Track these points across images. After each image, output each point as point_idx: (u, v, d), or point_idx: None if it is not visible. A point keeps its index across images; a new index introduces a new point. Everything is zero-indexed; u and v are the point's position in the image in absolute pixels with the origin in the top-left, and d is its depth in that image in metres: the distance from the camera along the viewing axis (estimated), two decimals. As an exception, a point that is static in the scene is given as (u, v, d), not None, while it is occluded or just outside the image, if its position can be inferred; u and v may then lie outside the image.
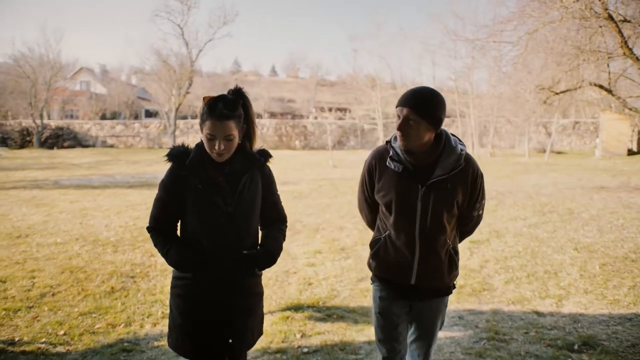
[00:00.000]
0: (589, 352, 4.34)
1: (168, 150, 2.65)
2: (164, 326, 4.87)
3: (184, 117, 48.70)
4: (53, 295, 5.65)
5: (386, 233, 2.85)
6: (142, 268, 6.78)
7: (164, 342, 4.54)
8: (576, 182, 16.40)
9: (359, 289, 6.05)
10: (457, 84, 33.05)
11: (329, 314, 5.24)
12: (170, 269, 2.96)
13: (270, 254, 2.69)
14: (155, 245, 2.68)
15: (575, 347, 4.44)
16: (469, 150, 16.80)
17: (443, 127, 2.76)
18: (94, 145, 40.75)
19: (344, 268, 6.87)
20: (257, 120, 2.82)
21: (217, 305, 2.61)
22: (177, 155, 2.60)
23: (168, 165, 2.64)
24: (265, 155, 2.77)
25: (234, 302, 2.64)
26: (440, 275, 2.81)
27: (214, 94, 2.68)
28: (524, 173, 19.96)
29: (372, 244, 2.94)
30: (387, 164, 2.78)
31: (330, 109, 57.39)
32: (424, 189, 2.70)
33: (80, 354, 4.25)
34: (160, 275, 6.49)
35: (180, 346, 2.66)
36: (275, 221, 2.86)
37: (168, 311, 5.20)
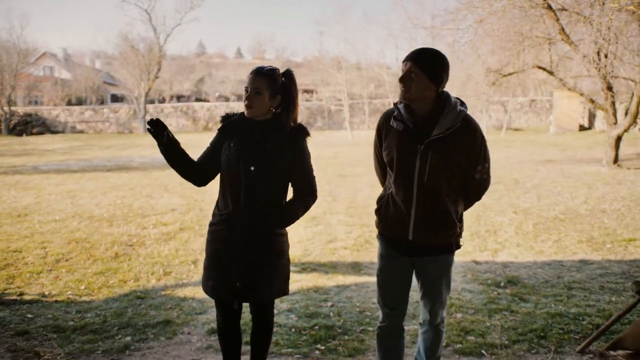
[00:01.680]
0: (512, 287, 5.46)
1: (223, 116, 3.15)
2: (167, 281, 5.84)
3: (152, 102, 48.89)
4: (67, 260, 6.56)
5: (389, 190, 2.95)
6: (138, 238, 7.69)
7: (169, 292, 5.53)
8: (527, 157, 17.76)
9: (328, 248, 7.09)
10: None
11: (304, 267, 6.27)
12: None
13: (281, 215, 2.96)
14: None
15: (502, 284, 5.56)
16: None
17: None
18: (63, 131, 40.85)
19: (314, 233, 7.91)
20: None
21: (233, 251, 2.94)
22: (225, 117, 3.12)
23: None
24: (299, 130, 3.02)
25: (249, 252, 2.94)
26: (436, 232, 2.86)
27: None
28: (480, 149, 21.24)
29: (378, 201, 3.04)
30: (391, 123, 2.86)
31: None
32: (423, 147, 2.75)
33: (102, 301, 5.20)
34: (155, 243, 7.41)
35: (205, 285, 3.09)
36: (303, 193, 3.04)
37: (169, 270, 6.20)
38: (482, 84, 15.07)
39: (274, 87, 2.94)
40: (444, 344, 4.05)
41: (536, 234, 7.63)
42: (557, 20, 11.39)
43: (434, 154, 2.73)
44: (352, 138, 30.70)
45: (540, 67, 13.48)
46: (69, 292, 5.44)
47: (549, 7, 11.54)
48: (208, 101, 54.51)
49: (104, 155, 21.69)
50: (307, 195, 3.05)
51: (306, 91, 56.66)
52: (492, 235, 7.60)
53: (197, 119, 41.25)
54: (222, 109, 40.92)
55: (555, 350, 4.02)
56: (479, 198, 3.04)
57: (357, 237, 7.61)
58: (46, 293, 5.42)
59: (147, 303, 5.13)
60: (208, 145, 3.13)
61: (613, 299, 5.06)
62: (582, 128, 31.48)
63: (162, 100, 53.59)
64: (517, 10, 11.85)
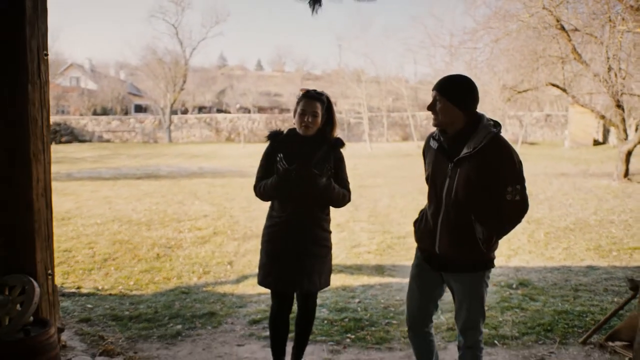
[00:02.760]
0: (523, 289, 5.88)
1: (268, 133, 3.62)
2: (207, 279, 6.35)
3: (175, 112, 49.83)
4: (113, 259, 7.10)
5: (426, 205, 3.10)
6: (175, 241, 8.22)
7: (210, 288, 6.03)
8: (541, 170, 18.07)
9: (353, 252, 7.56)
10: (435, 81, 34.51)
11: (332, 268, 6.73)
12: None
13: (325, 182, 3.35)
14: (262, 190, 3.48)
15: (514, 286, 5.98)
16: None
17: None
18: (90, 140, 41.77)
19: (340, 239, 8.37)
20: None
21: (292, 248, 3.39)
22: (274, 133, 3.58)
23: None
24: (339, 141, 3.56)
25: (306, 247, 3.41)
26: (459, 248, 2.91)
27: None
28: (496, 162, 21.58)
29: (418, 215, 3.20)
30: (430, 143, 3.05)
31: (316, 103, 58.43)
32: (452, 165, 2.87)
33: (151, 295, 5.71)
34: (191, 246, 7.93)
35: (264, 279, 3.49)
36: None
37: (208, 270, 6.69)
38: (498, 100, 15.51)
39: (323, 109, 3.46)
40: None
41: (547, 242, 8.03)
42: (570, 40, 11.81)
43: (462, 171, 2.83)
44: (371, 150, 31.14)
45: (553, 85, 13.91)
46: (120, 287, 5.97)
47: (562, 28, 11.98)
48: (229, 112, 55.24)
49: (132, 164, 22.36)
50: (346, 191, 3.58)
51: (325, 104, 57.08)
52: (506, 243, 8.00)
53: (220, 130, 41.96)
54: (244, 120, 41.59)
55: (560, 341, 4.44)
56: (514, 221, 2.95)
57: (380, 243, 8.06)
58: (99, 287, 5.95)
59: (191, 297, 5.64)
60: (262, 161, 3.57)
61: (615, 299, 5.46)
62: (596, 143, 31.61)
63: (185, 111, 54.47)
64: (531, 31, 12.32)
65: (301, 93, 3.51)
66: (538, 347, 4.37)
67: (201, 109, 60.38)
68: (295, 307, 3.75)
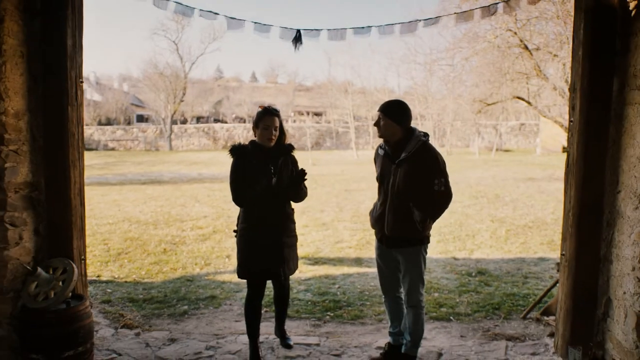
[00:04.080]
0: (480, 276, 6.48)
1: (230, 147, 3.89)
2: (208, 269, 6.90)
3: (174, 122, 50.28)
4: (126, 254, 7.65)
5: (377, 198, 3.82)
6: (179, 238, 8.77)
7: (211, 277, 6.58)
8: (511, 175, 18.76)
9: (336, 247, 8.15)
10: (417, 92, 35.28)
11: (316, 261, 7.32)
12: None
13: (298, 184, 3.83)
14: (247, 200, 3.78)
15: (473, 274, 6.59)
16: None
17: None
18: (96, 149, 42.15)
19: (325, 235, 8.97)
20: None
21: (270, 241, 3.79)
22: (237, 147, 3.88)
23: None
24: (291, 147, 4.00)
25: (282, 239, 3.83)
26: (402, 228, 3.59)
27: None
28: (471, 168, 22.31)
29: (372, 206, 3.92)
30: (378, 151, 3.81)
31: (307, 113, 59.12)
32: (394, 166, 3.60)
33: (161, 282, 6.28)
34: (194, 242, 8.49)
35: (243, 271, 3.88)
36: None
37: (209, 262, 7.22)
38: (469, 112, 16.25)
39: (280, 122, 3.90)
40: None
41: (507, 237, 8.66)
42: (532, 58, 12.52)
43: (402, 170, 3.57)
44: (357, 157, 31.72)
45: (519, 98, 14.64)
46: (134, 276, 6.53)
47: (526, 47, 12.69)
48: (226, 122, 55.72)
49: (137, 171, 22.83)
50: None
51: (316, 114, 57.78)
52: (471, 239, 8.63)
53: (217, 139, 42.48)
54: (240, 129, 42.15)
55: (505, 317, 5.06)
56: (442, 206, 3.62)
57: (360, 239, 8.66)
58: (116, 276, 6.51)
59: (195, 284, 6.21)
60: (233, 176, 3.83)
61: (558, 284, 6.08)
62: (565, 149, 32.30)
63: (184, 121, 54.92)
64: (497, 51, 13.02)
65: (260, 109, 3.86)
66: (486, 321, 4.98)
67: (199, 119, 60.77)
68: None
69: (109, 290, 5.84)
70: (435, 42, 46.48)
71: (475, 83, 14.98)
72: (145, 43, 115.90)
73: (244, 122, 53.69)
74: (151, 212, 11.36)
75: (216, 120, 59.63)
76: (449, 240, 8.51)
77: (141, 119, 58.29)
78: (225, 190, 15.57)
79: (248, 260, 3.86)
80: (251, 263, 3.85)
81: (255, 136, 3.91)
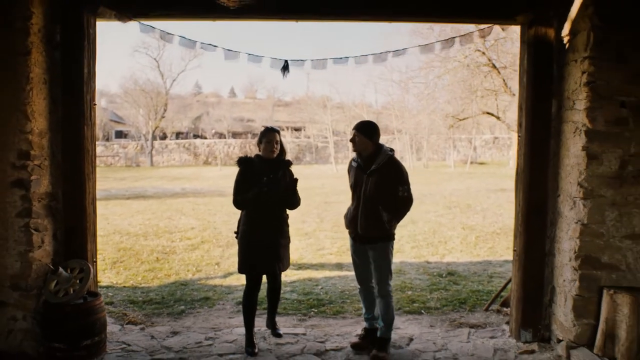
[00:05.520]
0: (450, 276, 7.11)
1: (238, 158, 4.51)
2: (199, 275, 7.41)
3: (154, 139, 50.51)
4: (121, 262, 8.12)
5: (350, 203, 4.48)
6: (170, 248, 9.26)
7: (203, 282, 7.09)
8: (484, 186, 19.57)
9: (318, 254, 8.72)
10: (394, 107, 36.25)
11: (300, 267, 7.87)
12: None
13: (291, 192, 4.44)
14: (243, 202, 4.36)
15: (443, 275, 7.21)
16: (407, 162, 20.15)
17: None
18: (76, 165, 42.07)
19: (307, 244, 9.53)
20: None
21: (266, 241, 4.36)
22: (244, 159, 4.49)
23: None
24: (290, 162, 4.63)
25: (277, 239, 4.41)
26: (373, 228, 4.21)
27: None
28: (447, 180, 23.12)
29: (346, 211, 4.54)
30: (352, 163, 4.48)
31: (287, 128, 59.72)
32: (366, 176, 4.24)
33: (157, 286, 6.77)
34: (184, 252, 8.98)
35: (244, 268, 4.40)
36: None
37: (200, 269, 7.71)
38: (442, 127, 17.09)
39: (280, 138, 4.54)
40: (397, 309, 5.68)
41: (476, 243, 9.34)
42: (500, 75, 13.36)
43: (372, 179, 4.21)
44: (337, 171, 32.38)
45: (489, 113, 15.50)
46: (131, 281, 7.01)
47: (494, 66, 13.53)
48: (205, 137, 56.09)
49: (120, 186, 23.12)
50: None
51: (295, 129, 58.36)
52: (443, 245, 9.28)
53: (198, 154, 42.87)
54: (221, 145, 42.61)
55: (469, 309, 5.67)
56: (405, 209, 4.24)
57: (340, 246, 9.24)
58: (114, 282, 6.98)
59: (189, 288, 6.72)
60: (238, 180, 4.46)
61: (517, 282, 6.73)
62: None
63: (163, 137, 55.21)
64: (466, 70, 13.86)
65: (263, 128, 4.56)
66: (453, 314, 5.59)
67: (178, 135, 60.94)
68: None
69: (110, 294, 6.32)
70: (410, 60, 47.65)
71: (448, 100, 15.85)
72: (125, 60, 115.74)
73: (224, 137, 54.08)
74: (139, 224, 11.80)
75: (195, 136, 59.78)
76: (423, 246, 9.15)
77: (120, 134, 58.22)
78: (209, 204, 16.09)
79: (248, 258, 4.43)
80: (251, 260, 4.42)
81: (259, 151, 4.51)
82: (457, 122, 16.55)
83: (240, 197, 4.40)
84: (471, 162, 34.43)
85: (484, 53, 13.21)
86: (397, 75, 24.57)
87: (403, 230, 10.57)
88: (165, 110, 41.02)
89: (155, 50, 41.13)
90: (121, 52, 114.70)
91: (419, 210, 13.32)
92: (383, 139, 4.56)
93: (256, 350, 4.40)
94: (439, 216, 12.30)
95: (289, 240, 4.68)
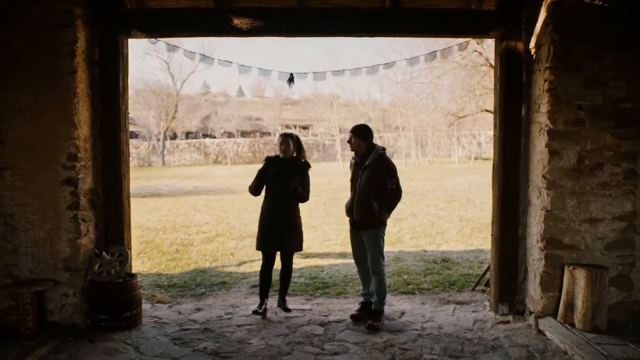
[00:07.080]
0: (443, 263, 7.79)
1: (266, 157, 5.57)
2: (216, 264, 8.15)
3: (165, 138, 51.38)
4: (145, 253, 8.88)
5: (350, 195, 5.20)
6: (187, 241, 10.01)
7: (220, 269, 7.82)
8: (486, 181, 20.13)
9: (324, 244, 9.44)
10: (398, 105, 36.83)
11: (307, 255, 8.58)
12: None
13: (296, 188, 5.23)
14: (250, 188, 5.42)
15: (438, 261, 7.90)
16: (412, 159, 20.81)
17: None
18: (89, 165, 42.99)
19: (314, 236, 10.25)
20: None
21: (278, 223, 5.27)
22: (268, 157, 5.46)
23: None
24: (307, 164, 5.41)
25: (287, 222, 5.29)
26: (365, 215, 4.93)
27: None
28: (450, 176, 23.73)
29: (347, 201, 5.25)
30: (352, 161, 5.20)
31: (295, 126, 60.22)
32: (361, 171, 4.97)
33: (179, 273, 7.51)
34: (201, 244, 9.73)
35: (260, 245, 5.37)
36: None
37: (216, 259, 8.44)
38: (443, 124, 17.77)
39: (293, 142, 5.42)
40: (392, 290, 6.37)
41: (471, 234, 10.01)
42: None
43: (366, 174, 4.96)
44: (343, 169, 33.02)
45: (487, 111, 16.13)
46: (156, 269, 7.76)
47: (491, 65, 14.14)
48: (215, 137, 56.89)
49: (134, 185, 23.75)
50: (307, 193, 5.45)
51: (303, 127, 58.88)
52: (440, 235, 9.97)
53: (208, 153, 43.71)
54: (230, 144, 43.41)
55: (458, 290, 6.37)
56: (394, 199, 4.94)
57: (344, 238, 9.92)
58: (140, 270, 7.72)
59: (208, 274, 7.46)
60: (258, 172, 5.48)
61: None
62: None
63: (174, 137, 56.11)
64: (464, 70, 14.52)
65: (280, 134, 5.52)
66: (443, 293, 6.28)
67: (188, 134, 61.77)
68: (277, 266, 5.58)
69: (138, 279, 7.06)
70: (413, 51, 48.24)
71: (447, 99, 16.55)
72: (136, 61, 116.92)
73: (233, 136, 54.85)
74: (158, 220, 12.57)
75: (205, 135, 60.51)
76: (421, 237, 9.84)
77: (132, 135, 59.08)
78: (221, 201, 16.84)
79: (261, 236, 5.39)
80: (264, 238, 5.36)
81: (279, 152, 5.45)
82: (457, 120, 17.20)
83: (251, 184, 5.46)
84: (475, 158, 34.98)
85: (481, 54, 13.86)
86: (400, 75, 25.27)
87: (403, 223, 11.27)
88: (175, 111, 41.85)
89: (165, 53, 41.98)
90: (132, 55, 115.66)
91: (420, 204, 14.01)
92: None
93: (261, 311, 5.27)
94: (438, 210, 12.98)
95: (300, 224, 5.47)
